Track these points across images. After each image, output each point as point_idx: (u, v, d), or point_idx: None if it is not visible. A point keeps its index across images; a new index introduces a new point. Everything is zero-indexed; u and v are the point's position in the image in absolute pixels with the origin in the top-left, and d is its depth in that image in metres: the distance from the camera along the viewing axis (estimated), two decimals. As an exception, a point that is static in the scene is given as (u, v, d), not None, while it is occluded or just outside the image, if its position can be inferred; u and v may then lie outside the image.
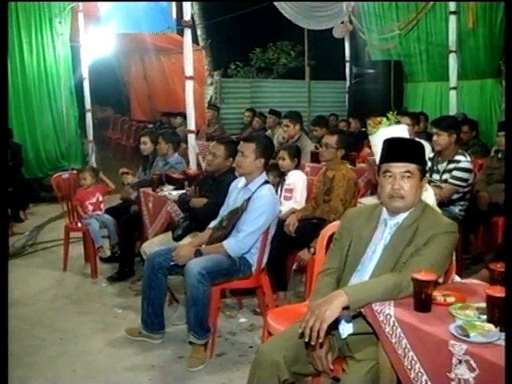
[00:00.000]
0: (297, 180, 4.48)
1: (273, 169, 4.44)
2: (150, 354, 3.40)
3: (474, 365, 1.64)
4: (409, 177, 2.23)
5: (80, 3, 8.14)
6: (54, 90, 8.38)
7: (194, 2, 10.38)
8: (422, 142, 3.01)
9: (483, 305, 1.85)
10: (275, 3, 9.32)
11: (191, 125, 5.75)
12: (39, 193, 7.69)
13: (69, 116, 8.51)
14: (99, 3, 7.37)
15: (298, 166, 4.62)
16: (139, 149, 5.46)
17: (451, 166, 4.32)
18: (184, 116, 6.59)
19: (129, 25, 7.49)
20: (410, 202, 2.25)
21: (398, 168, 2.24)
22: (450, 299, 1.97)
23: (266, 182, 3.53)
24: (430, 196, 2.98)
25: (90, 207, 5.09)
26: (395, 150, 2.29)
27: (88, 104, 8.51)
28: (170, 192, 4.41)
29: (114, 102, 15.30)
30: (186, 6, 5.63)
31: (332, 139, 4.21)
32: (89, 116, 8.57)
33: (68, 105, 8.48)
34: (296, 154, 4.57)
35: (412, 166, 2.24)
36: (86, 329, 3.80)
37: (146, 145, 5.29)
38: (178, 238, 3.84)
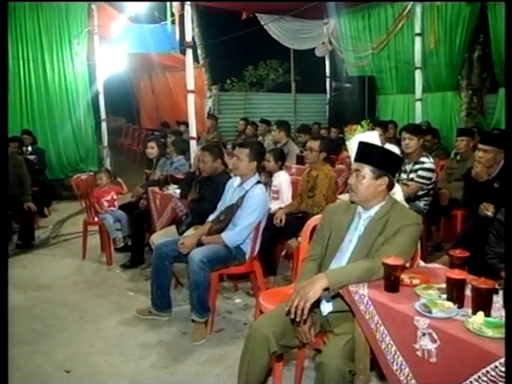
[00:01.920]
0: (281, 181, 4.46)
1: (263, 170, 4.44)
2: (158, 331, 3.39)
3: (436, 337, 1.66)
4: (357, 175, 2.24)
5: (95, 27, 8.11)
6: (73, 102, 8.35)
7: (195, 26, 10.35)
8: (392, 146, 3.05)
9: (444, 285, 1.86)
10: (265, 27, 9.35)
11: (193, 132, 5.78)
12: (61, 192, 7.66)
13: (86, 125, 8.49)
14: (112, 27, 7.32)
15: (282, 167, 4.61)
16: (146, 153, 5.45)
17: (417, 166, 4.33)
18: (186, 124, 6.58)
19: (138, 46, 7.43)
20: (362, 197, 2.25)
21: (354, 166, 2.29)
22: (416, 281, 1.98)
23: (259, 181, 3.53)
24: (397, 192, 3.00)
25: (106, 204, 5.07)
26: (357, 151, 2.33)
27: (103, 114, 8.50)
28: (175, 190, 4.40)
29: (126, 112, 15.24)
30: (188, 29, 5.66)
31: (315, 144, 4.21)
32: (104, 125, 8.56)
33: (85, 115, 8.46)
34: (280, 156, 4.56)
35: (364, 167, 2.24)
36: (103, 309, 3.79)
37: (153, 149, 5.26)
38: (182, 233, 3.83)
